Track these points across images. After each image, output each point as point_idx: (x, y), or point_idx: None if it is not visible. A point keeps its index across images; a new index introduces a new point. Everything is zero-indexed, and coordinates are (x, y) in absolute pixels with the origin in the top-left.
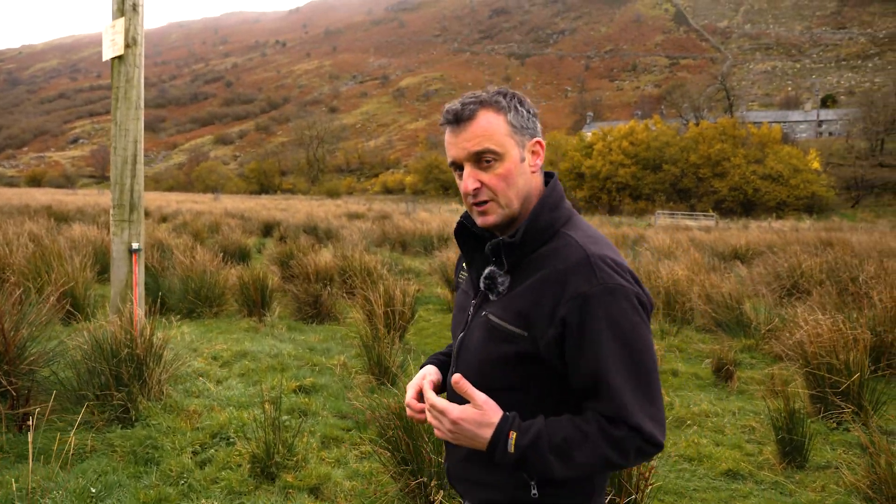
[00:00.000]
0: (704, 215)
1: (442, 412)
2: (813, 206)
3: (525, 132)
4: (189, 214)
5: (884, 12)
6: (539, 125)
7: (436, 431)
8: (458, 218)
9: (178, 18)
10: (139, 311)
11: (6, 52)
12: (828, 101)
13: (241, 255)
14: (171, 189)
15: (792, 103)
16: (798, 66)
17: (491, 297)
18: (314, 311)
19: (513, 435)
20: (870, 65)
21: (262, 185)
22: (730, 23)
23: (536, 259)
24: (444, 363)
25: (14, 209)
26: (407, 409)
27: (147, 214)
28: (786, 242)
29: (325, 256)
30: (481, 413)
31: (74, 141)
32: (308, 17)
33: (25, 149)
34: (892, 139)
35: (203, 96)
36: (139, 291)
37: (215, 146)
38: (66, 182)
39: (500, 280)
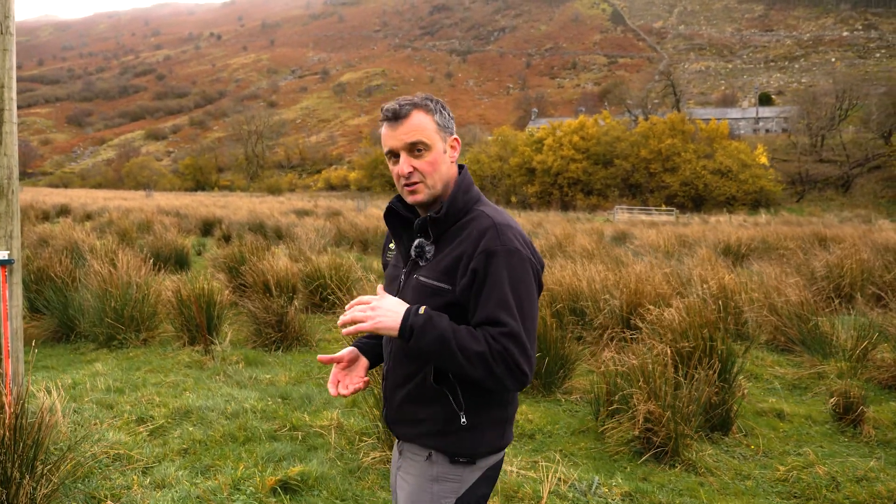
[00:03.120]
0: (665, 210)
1: (367, 301)
2: (761, 201)
3: (447, 130)
4: (117, 212)
5: (807, 16)
6: (454, 126)
7: (358, 324)
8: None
9: (105, 8)
10: (12, 364)
11: None
12: (765, 100)
13: (177, 259)
14: (98, 186)
15: (729, 101)
16: (730, 66)
17: (420, 263)
18: (278, 335)
19: (423, 308)
20: (796, 66)
21: (198, 182)
22: (664, 23)
23: (455, 230)
24: (366, 345)
25: None
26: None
27: (67, 212)
28: (778, 238)
29: (283, 261)
30: (399, 301)
31: None
32: (244, 9)
33: None
34: (832, 135)
35: (133, 90)
36: (11, 329)
37: (147, 141)
38: None
39: (427, 248)
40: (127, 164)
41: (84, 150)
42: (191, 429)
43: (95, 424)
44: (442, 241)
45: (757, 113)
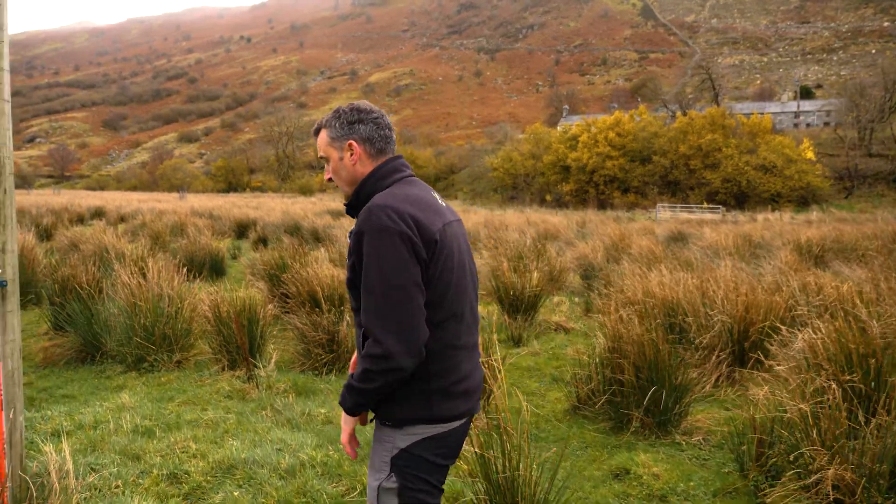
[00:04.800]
0: (709, 208)
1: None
2: (807, 197)
3: (341, 139)
4: (150, 214)
5: (845, 7)
6: (358, 128)
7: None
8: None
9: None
10: (6, 420)
11: None
12: (805, 93)
13: (212, 265)
14: (133, 188)
15: (766, 95)
16: (765, 59)
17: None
18: (329, 356)
19: (342, 395)
20: (834, 58)
21: (230, 184)
22: (697, 17)
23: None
24: None
25: None
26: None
27: (101, 215)
28: (856, 237)
29: (328, 268)
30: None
31: (31, 140)
32: (273, 12)
33: None
34: (881, 128)
35: (166, 93)
36: (5, 372)
37: (180, 144)
38: (23, 182)
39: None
40: (160, 167)
41: (119, 152)
42: (236, 493)
43: (117, 487)
44: None
45: (798, 107)
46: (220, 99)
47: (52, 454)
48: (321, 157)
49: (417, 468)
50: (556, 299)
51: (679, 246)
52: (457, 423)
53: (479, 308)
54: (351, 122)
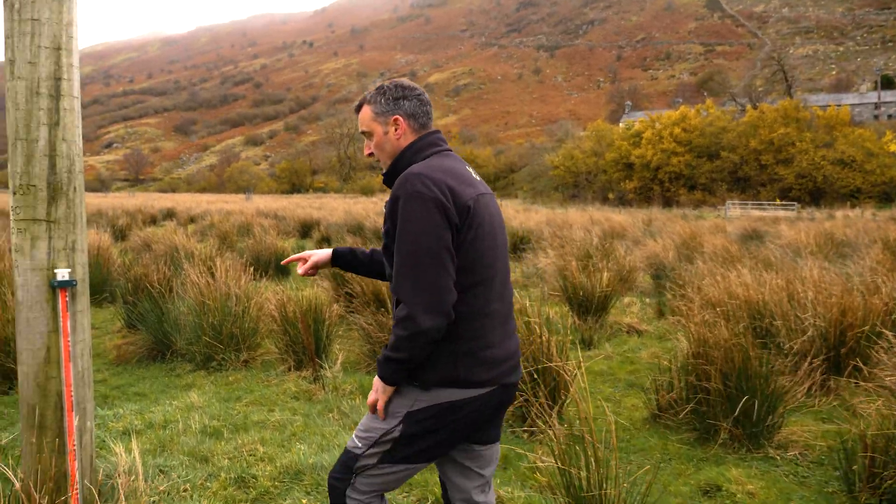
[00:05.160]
0: (782, 205)
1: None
2: (890, 193)
3: (386, 114)
4: (218, 215)
5: None
6: (403, 104)
7: (379, 408)
8: (504, 214)
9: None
10: (77, 421)
11: None
12: (886, 83)
13: (278, 264)
14: (203, 190)
15: (843, 86)
16: (841, 48)
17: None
18: None
19: (379, 367)
20: None
21: (294, 185)
22: (766, 7)
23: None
24: (350, 253)
25: None
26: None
27: (172, 216)
28: None
29: None
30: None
31: (108, 145)
32: (334, 16)
33: None
34: None
35: (233, 98)
36: (75, 373)
37: (246, 147)
38: (101, 186)
39: (386, 204)
40: (228, 169)
41: (189, 156)
42: (304, 501)
43: (185, 490)
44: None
45: (879, 97)
46: (284, 102)
47: (121, 455)
48: (364, 132)
49: (424, 433)
50: (626, 300)
51: (755, 244)
52: (481, 391)
53: (547, 309)
54: (396, 98)
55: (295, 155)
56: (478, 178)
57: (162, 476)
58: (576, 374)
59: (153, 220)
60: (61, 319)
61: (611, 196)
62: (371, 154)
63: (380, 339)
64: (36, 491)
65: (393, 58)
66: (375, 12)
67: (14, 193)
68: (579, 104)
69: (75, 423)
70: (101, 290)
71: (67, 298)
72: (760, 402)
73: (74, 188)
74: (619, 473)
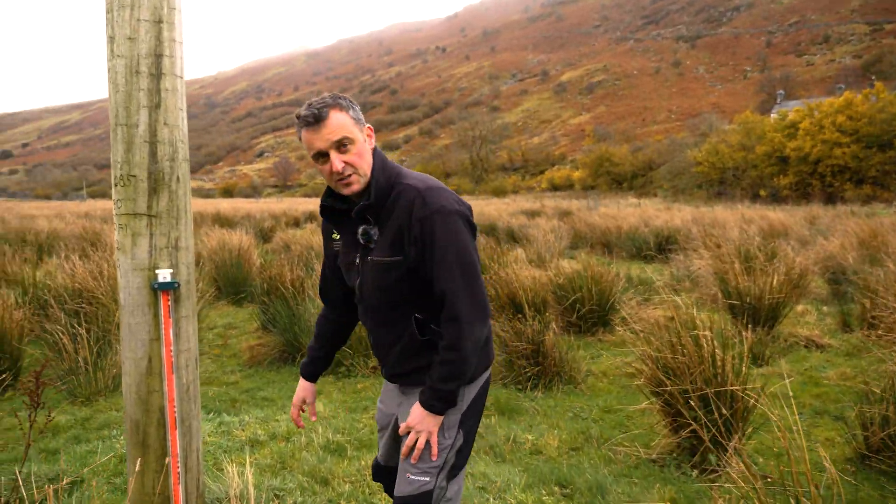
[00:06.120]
0: None
1: (411, 435)
2: None
3: (361, 122)
4: None
5: None
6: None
7: (420, 446)
8: (643, 212)
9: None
10: (181, 440)
11: (205, 80)
12: None
13: None
14: None
15: None
16: None
17: (371, 246)
18: (535, 368)
19: (425, 393)
20: None
21: None
22: None
23: (389, 207)
24: (316, 360)
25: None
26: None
27: (315, 219)
28: None
29: (529, 269)
30: (416, 406)
31: (260, 154)
32: (466, 20)
33: (220, 164)
34: None
35: (371, 106)
36: (179, 386)
37: (383, 152)
38: (253, 192)
39: (372, 232)
40: None
41: None
42: None
43: None
44: (381, 220)
45: None
46: (418, 108)
47: (234, 476)
48: (339, 141)
49: (475, 417)
50: (799, 308)
51: None
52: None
53: (702, 316)
54: (359, 110)
55: (429, 158)
56: None
57: (276, 501)
58: (757, 399)
59: (296, 223)
60: (163, 326)
61: (762, 193)
62: (344, 168)
63: (517, 349)
64: None
65: (524, 58)
66: (506, 14)
67: (115, 185)
68: (724, 96)
69: (178, 442)
70: (240, 290)
71: (170, 302)
72: None
73: (178, 178)
74: None
